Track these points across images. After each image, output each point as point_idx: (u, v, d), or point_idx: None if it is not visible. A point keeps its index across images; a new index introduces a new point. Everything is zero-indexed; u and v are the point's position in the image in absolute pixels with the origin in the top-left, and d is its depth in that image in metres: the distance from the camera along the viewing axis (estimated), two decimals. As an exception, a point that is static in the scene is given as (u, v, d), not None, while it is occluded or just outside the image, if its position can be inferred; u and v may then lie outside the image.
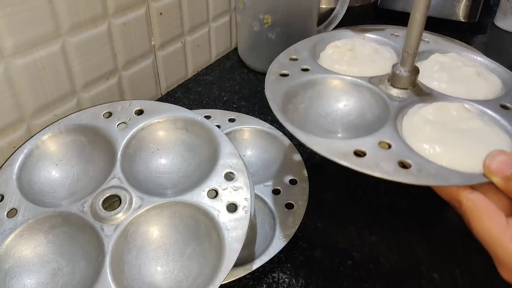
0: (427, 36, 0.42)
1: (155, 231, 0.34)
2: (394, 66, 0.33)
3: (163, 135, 0.40)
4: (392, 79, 0.33)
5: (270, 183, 0.42)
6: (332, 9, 0.70)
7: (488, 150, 0.25)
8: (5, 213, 0.33)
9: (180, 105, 0.40)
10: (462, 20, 0.79)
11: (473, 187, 0.25)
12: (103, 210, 0.33)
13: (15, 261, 0.32)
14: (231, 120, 0.49)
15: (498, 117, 0.30)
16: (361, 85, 0.35)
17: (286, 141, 0.47)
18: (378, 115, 0.32)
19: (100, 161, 0.38)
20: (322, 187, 0.44)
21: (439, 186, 0.26)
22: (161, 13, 0.56)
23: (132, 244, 0.33)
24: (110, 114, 0.39)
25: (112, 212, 0.33)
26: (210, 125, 0.39)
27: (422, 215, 0.42)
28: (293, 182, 0.42)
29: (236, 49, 0.72)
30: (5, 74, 0.39)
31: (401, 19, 0.67)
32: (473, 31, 0.82)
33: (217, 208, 0.33)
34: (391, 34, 0.44)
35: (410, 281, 0.35)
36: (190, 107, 0.50)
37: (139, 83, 0.56)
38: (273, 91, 0.33)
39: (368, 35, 0.43)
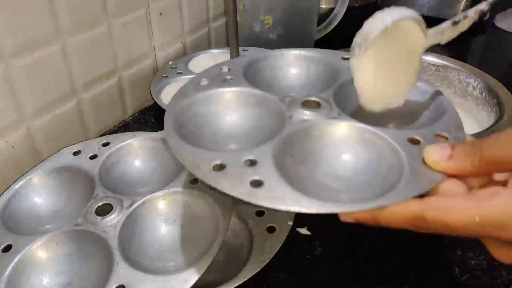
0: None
1: (154, 219, 0.36)
2: None
3: (138, 146, 0.42)
4: None
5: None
6: (332, 9, 0.70)
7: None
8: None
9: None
10: (462, 20, 0.79)
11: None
12: (98, 217, 0.34)
13: None
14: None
15: None
16: None
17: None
18: None
19: (80, 192, 0.38)
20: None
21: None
22: (161, 13, 0.56)
23: (136, 231, 0.34)
24: (79, 152, 0.40)
25: (106, 216, 0.34)
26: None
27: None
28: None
29: (236, 49, 0.72)
30: (5, 74, 0.39)
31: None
32: (473, 31, 0.82)
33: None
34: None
35: (411, 281, 0.35)
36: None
37: (139, 83, 0.56)
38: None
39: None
